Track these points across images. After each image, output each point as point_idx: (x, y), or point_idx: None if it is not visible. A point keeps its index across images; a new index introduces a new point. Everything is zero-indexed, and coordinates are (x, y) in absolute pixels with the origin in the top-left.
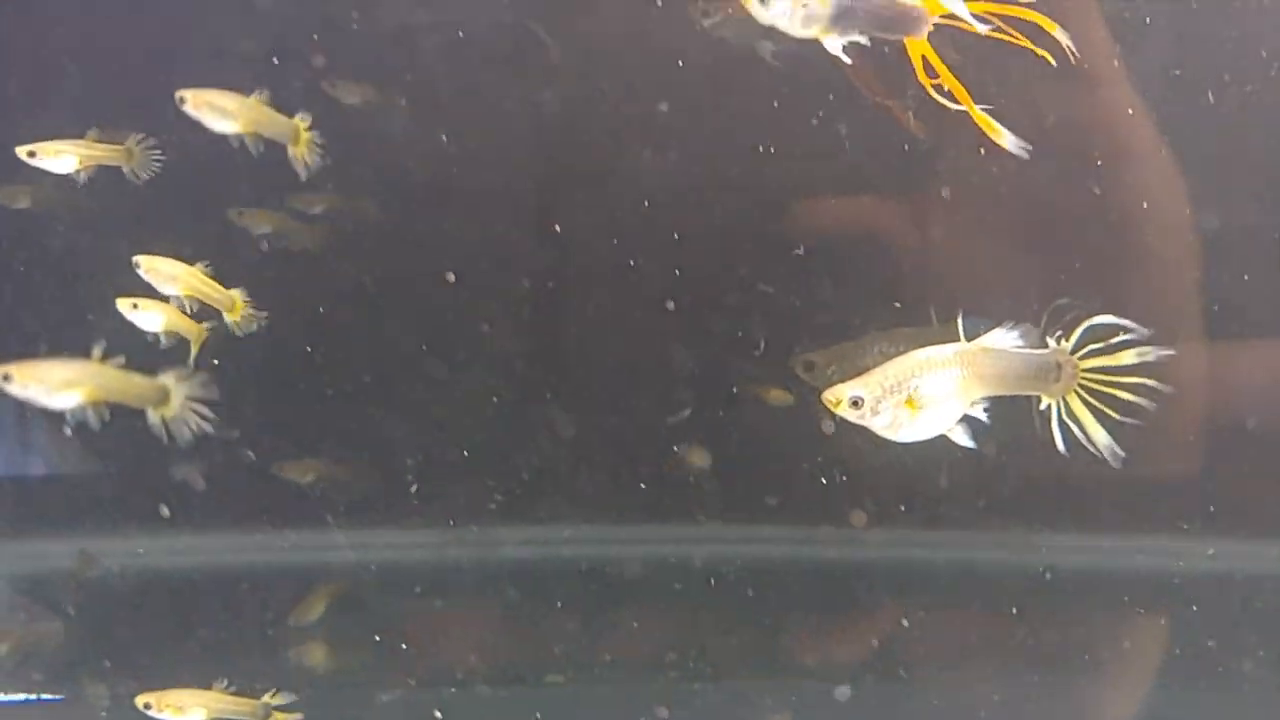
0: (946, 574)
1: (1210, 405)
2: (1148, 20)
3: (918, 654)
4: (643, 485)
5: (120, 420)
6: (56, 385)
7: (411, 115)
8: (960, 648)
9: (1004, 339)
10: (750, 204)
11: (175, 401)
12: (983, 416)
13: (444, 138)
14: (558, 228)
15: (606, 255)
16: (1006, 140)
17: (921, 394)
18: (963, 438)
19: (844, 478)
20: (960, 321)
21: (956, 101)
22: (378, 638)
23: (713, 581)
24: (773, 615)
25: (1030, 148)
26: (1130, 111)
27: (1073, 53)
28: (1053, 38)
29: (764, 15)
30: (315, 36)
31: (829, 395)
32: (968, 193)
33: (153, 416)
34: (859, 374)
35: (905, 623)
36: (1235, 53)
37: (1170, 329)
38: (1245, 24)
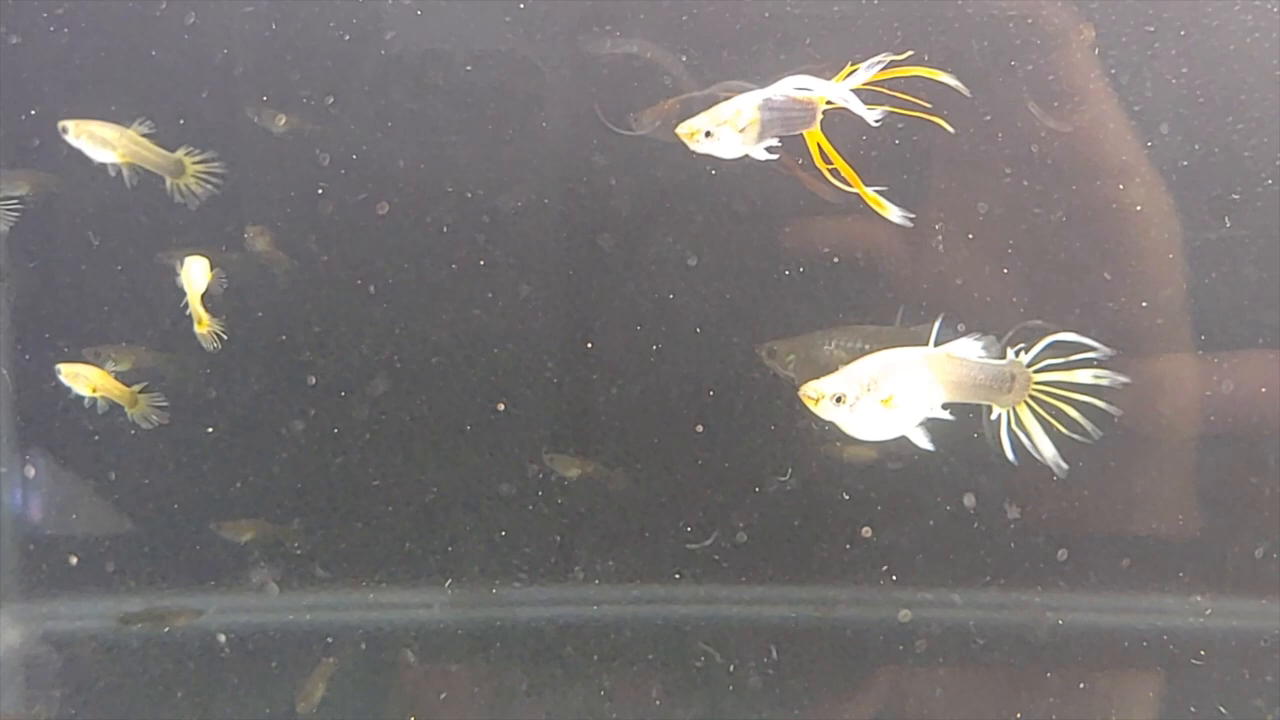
0: (951, 634)
1: (1201, 421)
2: (1151, 29)
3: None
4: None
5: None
6: None
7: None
8: (968, 710)
9: (968, 348)
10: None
11: None
12: (946, 415)
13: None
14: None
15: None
16: (893, 214)
17: (895, 394)
18: (923, 440)
19: (857, 540)
20: (936, 326)
21: (847, 181)
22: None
23: (733, 642)
24: (790, 677)
25: (914, 216)
26: (1115, 127)
27: (964, 93)
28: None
29: (705, 147)
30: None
31: (809, 391)
32: (960, 209)
33: None
34: (814, 362)
35: (911, 683)
36: (1223, 66)
37: (1160, 343)
38: (1235, 38)
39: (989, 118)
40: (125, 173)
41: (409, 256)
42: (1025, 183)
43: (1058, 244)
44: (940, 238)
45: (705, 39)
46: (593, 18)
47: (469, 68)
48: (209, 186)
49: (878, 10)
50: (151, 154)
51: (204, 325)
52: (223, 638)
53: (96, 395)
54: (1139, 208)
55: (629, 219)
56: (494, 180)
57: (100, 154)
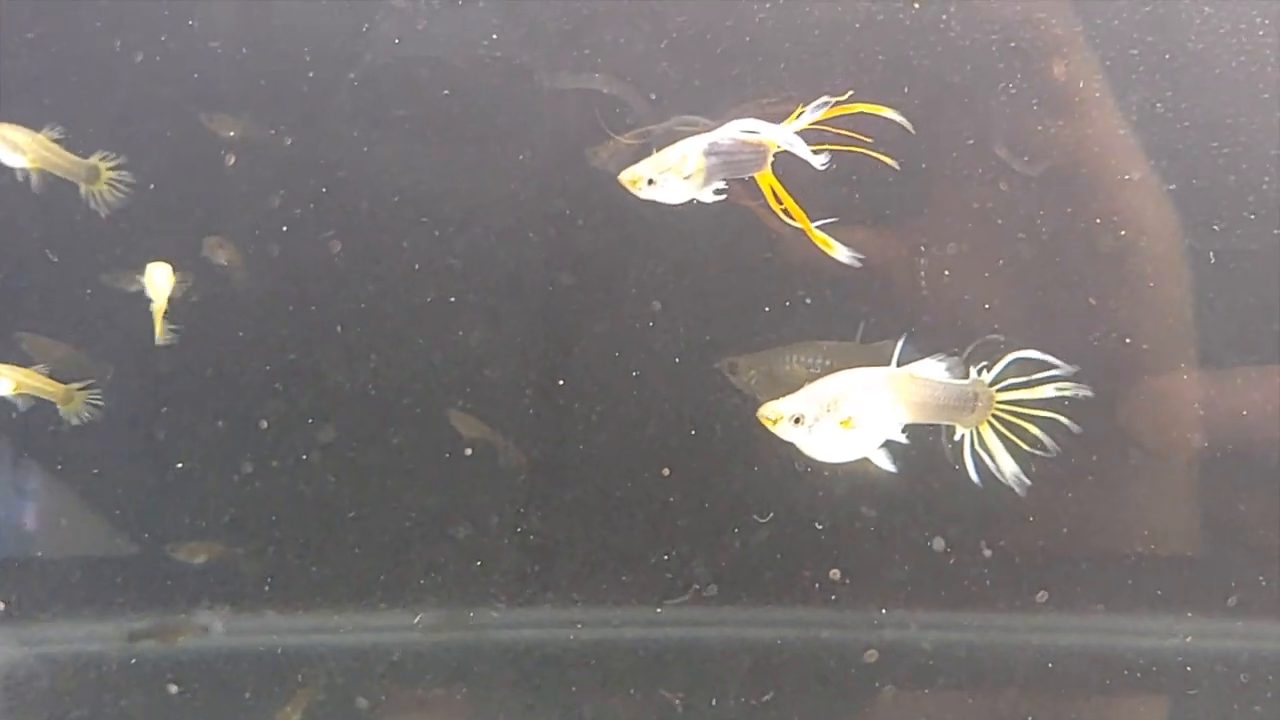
0: (942, 656)
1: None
2: (1135, 52)
3: None
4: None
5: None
6: None
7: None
8: None
9: (932, 368)
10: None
11: None
12: (902, 439)
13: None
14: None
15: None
16: (840, 254)
17: (855, 415)
18: (885, 462)
19: (842, 564)
20: (899, 345)
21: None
22: None
23: (713, 667)
24: (771, 707)
25: (863, 258)
26: (1118, 142)
27: (908, 129)
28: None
29: (649, 194)
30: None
31: (767, 412)
32: (962, 223)
33: None
34: (776, 378)
35: (895, 713)
36: (1208, 91)
37: (1166, 358)
38: (1221, 62)
39: (971, 141)
40: (34, 179)
41: (384, 285)
42: (1009, 208)
43: (1043, 265)
44: (924, 262)
45: (685, 64)
46: (572, 42)
47: (446, 92)
48: (120, 195)
49: (859, 34)
50: (62, 160)
51: (161, 331)
52: (179, 682)
53: (18, 395)
54: (1123, 232)
55: (604, 248)
56: (468, 211)
57: (10, 158)
